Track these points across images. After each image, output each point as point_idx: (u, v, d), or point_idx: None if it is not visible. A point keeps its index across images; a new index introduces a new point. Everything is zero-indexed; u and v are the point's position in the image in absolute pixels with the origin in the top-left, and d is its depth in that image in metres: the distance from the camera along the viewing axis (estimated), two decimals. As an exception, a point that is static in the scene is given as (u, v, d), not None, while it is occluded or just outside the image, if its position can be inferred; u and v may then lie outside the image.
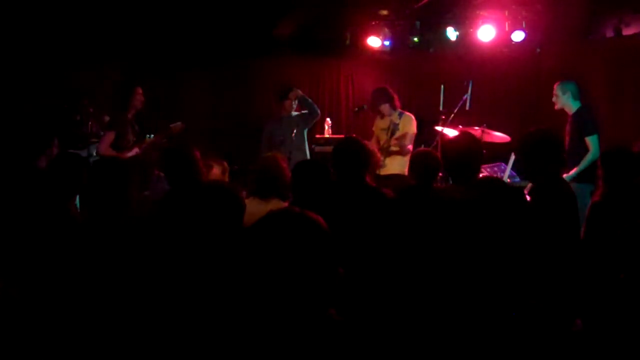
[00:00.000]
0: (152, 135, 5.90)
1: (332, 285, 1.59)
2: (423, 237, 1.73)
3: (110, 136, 5.64)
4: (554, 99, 5.77)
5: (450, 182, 3.84)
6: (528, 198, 3.36)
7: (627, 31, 6.18)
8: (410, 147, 6.07)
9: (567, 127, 5.69)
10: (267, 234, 1.59)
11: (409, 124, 6.15)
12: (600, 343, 2.68)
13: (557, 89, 5.76)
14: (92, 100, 6.62)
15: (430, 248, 1.72)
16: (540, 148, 3.45)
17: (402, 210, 2.23)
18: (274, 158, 4.17)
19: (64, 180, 3.27)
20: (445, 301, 1.71)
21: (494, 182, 2.88)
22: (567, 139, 5.54)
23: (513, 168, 5.70)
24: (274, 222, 1.62)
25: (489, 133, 6.08)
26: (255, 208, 3.44)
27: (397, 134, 6.10)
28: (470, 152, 3.57)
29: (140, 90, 5.86)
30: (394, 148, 6.07)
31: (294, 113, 6.43)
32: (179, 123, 6.23)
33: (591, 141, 5.48)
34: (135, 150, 5.67)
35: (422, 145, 6.21)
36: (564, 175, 4.81)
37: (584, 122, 5.56)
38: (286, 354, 1.52)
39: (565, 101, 5.71)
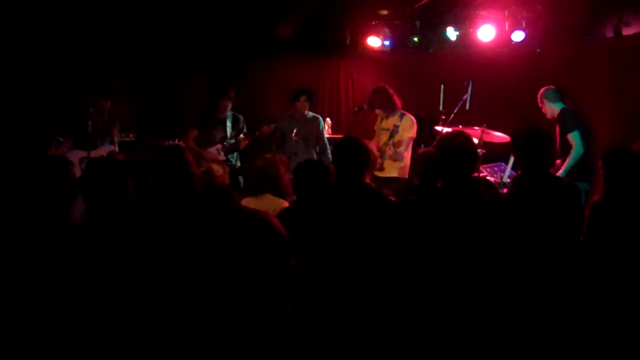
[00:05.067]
0: (242, 135, 6.71)
1: (285, 283, 1.58)
2: (429, 239, 1.73)
3: (193, 133, 6.54)
4: (543, 111, 5.93)
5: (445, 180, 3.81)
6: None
7: (627, 31, 6.16)
8: (405, 153, 6.05)
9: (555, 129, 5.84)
10: (211, 233, 1.61)
11: (409, 128, 6.11)
12: (600, 342, 2.68)
13: (539, 100, 6.00)
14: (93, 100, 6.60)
15: (434, 250, 1.72)
16: (531, 143, 3.51)
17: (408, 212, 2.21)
18: (269, 159, 4.17)
19: (47, 185, 3.11)
20: (444, 302, 1.70)
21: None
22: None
23: (513, 168, 5.71)
24: (216, 222, 1.64)
25: (489, 133, 6.07)
26: (249, 205, 3.44)
27: (396, 136, 6.08)
28: (464, 151, 3.41)
29: (225, 103, 6.64)
30: (389, 153, 6.06)
31: (310, 114, 6.62)
32: (271, 126, 6.69)
33: (573, 138, 5.68)
34: (217, 147, 6.56)
35: (422, 146, 6.19)
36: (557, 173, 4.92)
37: (564, 121, 5.77)
38: (239, 350, 1.52)
39: (548, 107, 5.92)
